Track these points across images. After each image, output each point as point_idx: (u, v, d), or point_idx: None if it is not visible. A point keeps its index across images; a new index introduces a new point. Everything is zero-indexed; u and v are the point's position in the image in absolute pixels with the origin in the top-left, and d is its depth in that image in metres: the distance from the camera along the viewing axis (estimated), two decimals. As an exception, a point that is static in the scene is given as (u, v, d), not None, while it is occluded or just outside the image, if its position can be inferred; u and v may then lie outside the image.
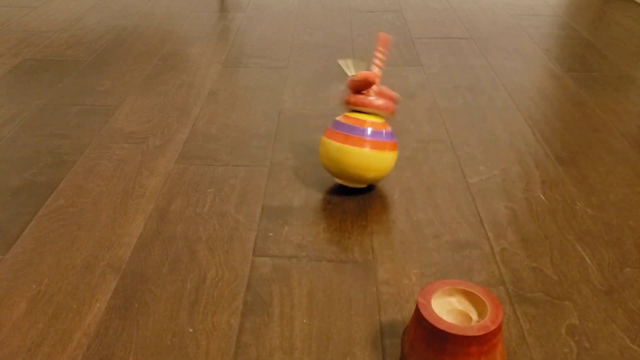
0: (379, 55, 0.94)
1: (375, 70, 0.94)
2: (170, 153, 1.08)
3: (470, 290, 0.66)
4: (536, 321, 0.72)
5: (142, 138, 1.13)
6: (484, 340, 0.60)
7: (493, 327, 0.60)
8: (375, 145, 0.91)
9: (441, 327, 0.60)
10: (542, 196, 0.96)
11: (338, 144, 0.92)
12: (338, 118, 0.96)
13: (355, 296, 0.76)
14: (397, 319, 0.72)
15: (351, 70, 0.98)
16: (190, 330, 0.71)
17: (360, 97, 0.93)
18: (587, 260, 0.82)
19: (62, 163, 1.05)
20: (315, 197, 0.96)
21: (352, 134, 0.91)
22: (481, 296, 0.65)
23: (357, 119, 0.92)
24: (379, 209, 0.93)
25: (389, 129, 0.94)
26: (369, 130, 0.91)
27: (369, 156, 0.91)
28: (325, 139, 0.95)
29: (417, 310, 0.63)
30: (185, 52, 1.57)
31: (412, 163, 1.05)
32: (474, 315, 0.65)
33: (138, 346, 0.68)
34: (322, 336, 0.70)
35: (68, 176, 1.01)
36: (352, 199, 0.95)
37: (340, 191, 0.97)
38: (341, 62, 0.98)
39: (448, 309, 0.66)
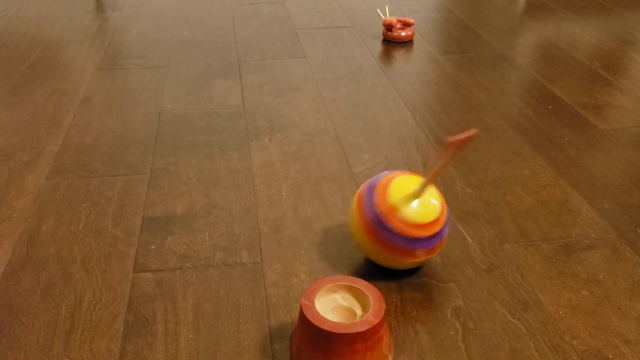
0: (443, 159, 0.68)
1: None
2: (41, 168, 1.01)
3: (353, 284, 0.65)
4: (423, 307, 0.73)
5: (9, 155, 1.05)
6: (368, 336, 0.60)
7: (376, 321, 0.60)
8: (404, 253, 0.74)
9: (325, 327, 0.59)
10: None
11: (365, 236, 0.75)
12: (378, 199, 0.74)
13: (244, 302, 0.74)
14: (287, 321, 0.71)
15: (386, 14, 1.64)
16: (67, 360, 0.66)
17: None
18: (469, 240, 0.84)
19: None
20: (200, 201, 0.92)
21: (384, 233, 0.73)
22: (364, 290, 0.64)
23: (402, 222, 0.72)
24: (267, 207, 0.91)
25: (437, 229, 0.74)
26: (405, 238, 0.73)
27: (396, 261, 0.75)
28: (356, 219, 0.76)
29: (300, 312, 0.62)
30: (57, 57, 1.47)
31: (298, 157, 1.04)
32: (358, 310, 0.64)
33: (8, 386, 0.63)
34: (210, 350, 0.67)
35: None
36: (239, 201, 0.92)
37: (227, 192, 0.94)
38: (379, 10, 1.66)
39: (332, 306, 0.65)
